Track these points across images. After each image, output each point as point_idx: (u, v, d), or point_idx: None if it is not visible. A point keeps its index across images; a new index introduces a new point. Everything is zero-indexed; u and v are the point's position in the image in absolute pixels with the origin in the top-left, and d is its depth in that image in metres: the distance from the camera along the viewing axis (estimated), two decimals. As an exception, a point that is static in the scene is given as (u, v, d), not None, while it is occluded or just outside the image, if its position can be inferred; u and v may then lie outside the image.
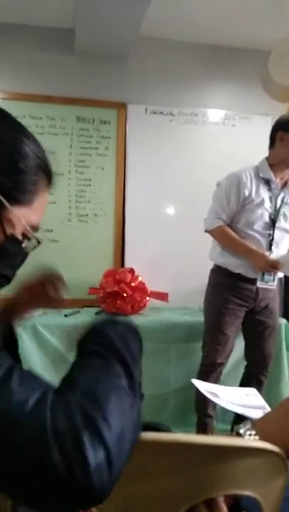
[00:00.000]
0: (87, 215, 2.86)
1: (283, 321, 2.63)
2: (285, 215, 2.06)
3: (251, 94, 3.07)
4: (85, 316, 2.54)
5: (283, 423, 0.62)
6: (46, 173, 0.65)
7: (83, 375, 0.51)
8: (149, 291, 2.63)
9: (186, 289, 2.76)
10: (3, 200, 0.58)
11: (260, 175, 2.06)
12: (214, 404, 2.12)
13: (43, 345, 2.31)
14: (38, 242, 0.66)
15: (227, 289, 2.05)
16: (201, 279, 2.22)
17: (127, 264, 2.82)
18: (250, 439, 0.57)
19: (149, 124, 2.90)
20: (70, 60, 2.83)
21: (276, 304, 2.14)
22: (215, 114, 3.00)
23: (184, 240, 2.86)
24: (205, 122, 2.98)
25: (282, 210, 2.06)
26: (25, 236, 0.63)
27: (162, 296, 2.68)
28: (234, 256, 2.04)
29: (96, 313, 2.60)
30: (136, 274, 2.67)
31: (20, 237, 0.63)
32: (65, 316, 2.51)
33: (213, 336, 2.07)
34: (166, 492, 0.58)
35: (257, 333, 2.10)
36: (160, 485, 0.57)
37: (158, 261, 2.83)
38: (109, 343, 0.55)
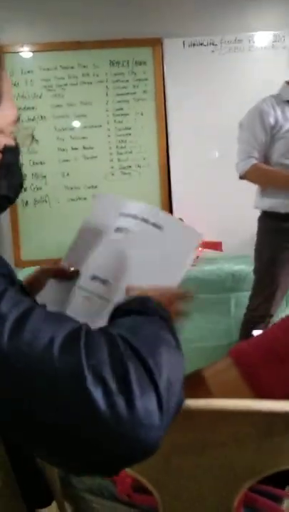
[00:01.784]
0: (130, 166, 2.74)
1: None
2: None
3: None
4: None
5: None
6: None
7: (128, 321, 0.46)
8: (201, 242, 2.52)
9: (240, 236, 2.61)
10: None
11: (284, 99, 1.84)
12: None
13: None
14: (32, 137, 0.57)
15: (278, 234, 1.87)
16: (255, 226, 2.06)
17: (176, 215, 2.70)
18: None
19: (188, 59, 2.64)
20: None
21: None
22: (262, 38, 2.67)
23: (235, 185, 2.66)
24: (252, 48, 2.66)
25: None
26: (13, 135, 0.53)
27: (216, 246, 2.56)
28: (280, 195, 1.83)
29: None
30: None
31: (11, 142, 0.53)
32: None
33: (263, 287, 1.92)
34: (225, 466, 0.51)
35: None
36: (217, 458, 0.50)
37: (208, 209, 2.69)
38: (152, 307, 0.49)
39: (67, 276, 0.71)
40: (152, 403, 0.38)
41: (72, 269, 0.71)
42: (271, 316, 1.96)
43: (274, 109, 1.83)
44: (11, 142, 0.53)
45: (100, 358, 0.38)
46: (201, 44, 2.65)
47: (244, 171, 1.87)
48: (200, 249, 2.54)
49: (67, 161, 2.70)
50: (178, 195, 2.73)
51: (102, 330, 0.43)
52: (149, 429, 0.37)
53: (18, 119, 0.53)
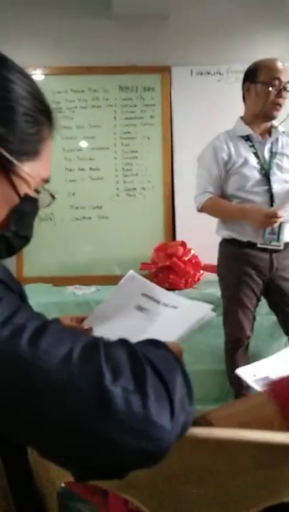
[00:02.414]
0: (135, 188, 2.78)
1: None
2: (279, 166, 1.86)
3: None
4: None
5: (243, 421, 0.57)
6: (47, 116, 0.56)
7: (143, 344, 0.49)
8: (202, 265, 2.53)
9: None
10: (9, 157, 0.51)
11: (237, 134, 1.90)
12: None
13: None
14: (53, 197, 0.60)
15: (239, 259, 1.89)
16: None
17: (179, 237, 2.73)
18: None
19: (195, 87, 2.72)
20: (107, 27, 2.70)
21: None
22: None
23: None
24: (257, 78, 2.74)
25: (274, 161, 1.86)
26: (37, 191, 0.58)
27: (216, 269, 2.56)
28: (237, 224, 1.87)
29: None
30: (188, 247, 2.58)
31: (33, 194, 0.57)
32: (118, 292, 2.49)
33: (233, 311, 1.93)
34: (224, 495, 0.51)
35: (285, 304, 1.93)
36: (216, 486, 0.50)
37: (211, 232, 2.70)
38: (163, 344, 0.51)
39: (81, 331, 0.78)
40: (165, 409, 0.40)
41: (86, 327, 0.81)
42: (248, 337, 1.97)
43: (227, 145, 1.89)
44: (33, 195, 0.57)
45: (120, 361, 0.41)
46: (208, 73, 2.73)
47: (200, 205, 1.93)
48: (201, 272, 2.55)
49: (73, 181, 2.75)
50: (181, 217, 2.76)
51: (121, 340, 0.45)
52: (162, 430, 0.39)
53: (47, 180, 0.58)
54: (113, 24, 2.69)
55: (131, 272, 0.86)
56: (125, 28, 2.70)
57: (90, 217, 2.77)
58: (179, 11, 2.67)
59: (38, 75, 2.70)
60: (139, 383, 0.39)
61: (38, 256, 2.71)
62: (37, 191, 0.58)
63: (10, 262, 2.75)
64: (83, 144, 2.75)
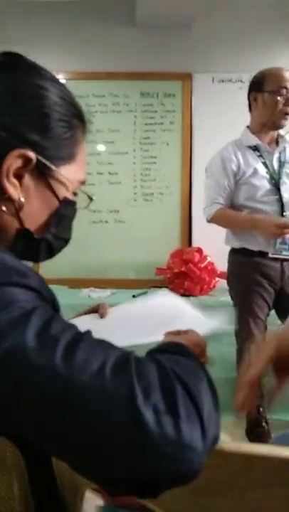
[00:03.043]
0: (152, 193, 2.79)
1: None
2: (288, 175, 1.85)
3: None
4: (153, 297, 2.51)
5: None
6: (80, 119, 0.58)
7: (168, 356, 0.47)
8: (218, 272, 2.52)
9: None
10: (47, 163, 0.53)
11: (245, 144, 1.89)
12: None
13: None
14: (90, 199, 0.62)
15: (248, 267, 1.88)
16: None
17: (195, 244, 2.72)
18: None
19: (216, 94, 2.72)
20: (131, 33, 2.73)
21: None
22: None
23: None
24: (278, 87, 2.73)
25: (284, 170, 1.85)
26: (75, 193, 0.59)
27: (227, 279, 2.55)
28: (247, 234, 1.86)
29: (164, 294, 2.56)
30: (204, 253, 2.57)
31: (72, 197, 0.58)
32: (133, 296, 2.49)
33: (244, 320, 1.91)
34: (251, 510, 0.51)
35: None
36: (244, 501, 0.50)
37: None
38: (186, 350, 0.50)
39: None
40: (196, 428, 0.39)
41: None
42: None
43: (235, 156, 1.88)
44: (72, 198, 0.58)
45: (151, 380, 0.40)
46: (230, 81, 2.73)
47: (210, 216, 1.92)
48: (217, 279, 2.54)
49: (92, 184, 2.77)
50: (198, 224, 2.76)
51: (150, 356, 0.46)
52: (194, 451, 0.39)
53: (83, 182, 0.59)
54: (136, 31, 2.72)
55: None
56: (148, 35, 2.72)
57: (106, 221, 2.79)
58: (202, 19, 2.68)
59: (60, 80, 2.74)
60: (170, 403, 0.39)
61: (54, 258, 2.73)
62: (75, 194, 0.59)
63: (27, 264, 2.78)
64: (102, 148, 2.78)
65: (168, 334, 0.64)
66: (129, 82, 2.73)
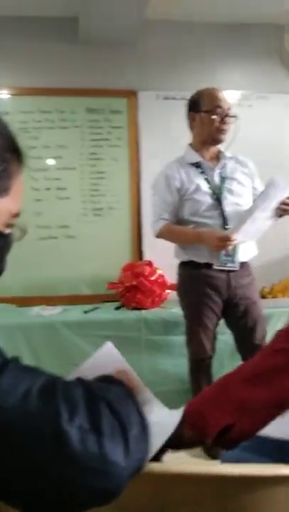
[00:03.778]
0: (102, 208, 2.80)
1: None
2: (230, 190, 1.95)
3: (267, 72, 2.93)
4: (105, 312, 2.49)
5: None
6: (15, 152, 0.57)
7: (98, 382, 0.50)
8: (168, 284, 2.55)
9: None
10: None
11: (187, 161, 1.99)
12: None
13: (62, 343, 2.27)
14: (24, 232, 0.60)
15: (197, 280, 1.95)
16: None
17: (146, 257, 2.75)
18: (277, 466, 0.50)
19: (161, 111, 2.79)
20: (75, 50, 2.75)
21: (254, 292, 2.01)
22: (230, 96, 2.85)
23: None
24: (220, 105, 2.85)
25: (225, 185, 1.96)
26: (8, 226, 0.58)
27: (177, 291, 2.59)
28: (194, 248, 1.94)
29: (116, 308, 2.55)
30: (154, 266, 2.60)
31: (3, 230, 0.57)
32: (85, 312, 2.47)
33: (195, 331, 1.98)
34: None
35: (242, 326, 1.99)
36: None
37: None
38: (116, 380, 0.53)
39: None
40: (119, 445, 0.41)
41: None
42: (210, 357, 2.01)
43: (179, 173, 1.97)
44: (4, 230, 0.57)
45: (77, 401, 0.42)
46: (174, 98, 2.81)
47: (157, 232, 1.99)
48: (167, 291, 2.57)
49: (39, 200, 2.73)
50: (148, 238, 2.78)
51: (78, 379, 0.47)
52: (116, 466, 0.40)
53: (18, 215, 0.58)
54: (80, 48, 2.74)
55: (108, 344, 0.81)
56: (92, 53, 2.76)
57: (56, 237, 2.75)
58: (146, 38, 2.76)
59: (5, 95, 2.70)
60: (94, 422, 0.41)
61: (2, 276, 2.65)
62: (8, 226, 0.58)
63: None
64: (50, 163, 2.75)
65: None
66: (76, 99, 2.75)
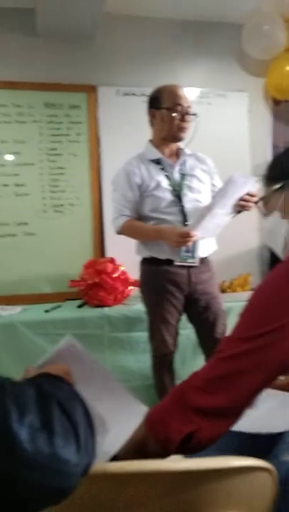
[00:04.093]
0: (62, 205, 2.75)
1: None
2: (189, 187, 1.99)
3: (226, 70, 2.98)
4: (67, 310, 2.46)
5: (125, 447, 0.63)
6: None
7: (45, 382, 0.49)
8: (131, 280, 2.55)
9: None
10: None
11: (148, 158, 2.01)
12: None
13: (23, 344, 2.22)
14: None
15: (159, 276, 1.97)
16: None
17: (108, 254, 2.73)
18: (231, 458, 0.51)
19: (121, 107, 2.78)
20: (33, 43, 2.68)
21: (214, 287, 2.06)
22: (190, 93, 2.88)
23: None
24: (179, 102, 2.87)
25: (185, 182, 1.99)
26: None
27: (139, 287, 2.60)
28: (155, 244, 1.95)
29: (78, 306, 2.52)
30: (117, 263, 2.59)
31: None
32: (46, 311, 2.42)
33: (157, 327, 2.00)
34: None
35: (203, 321, 2.03)
36: None
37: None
38: (56, 377, 0.53)
39: None
40: (71, 443, 0.41)
41: None
42: (172, 352, 2.04)
43: (139, 169, 1.97)
44: None
45: (27, 401, 0.42)
46: (134, 94, 2.81)
47: (118, 228, 1.99)
48: (130, 287, 2.57)
49: (-3, 196, 2.65)
50: (110, 234, 2.76)
51: (30, 381, 0.47)
52: (68, 464, 0.40)
53: None
54: (38, 41, 2.68)
55: (69, 338, 0.78)
56: (51, 46, 2.69)
57: (14, 234, 2.68)
58: (105, 32, 2.72)
59: None
60: (45, 420, 0.41)
61: None
62: None
63: None
64: (7, 159, 2.67)
65: (33, 369, 0.64)
66: (33, 92, 2.68)
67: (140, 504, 0.50)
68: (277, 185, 0.91)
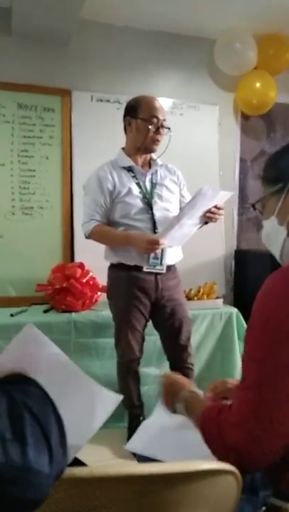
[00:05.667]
0: (32, 207, 2.72)
1: (234, 310, 2.66)
2: (159, 195, 2.03)
3: (198, 83, 3.05)
4: (33, 315, 2.42)
5: None
6: None
7: (17, 388, 0.49)
8: (100, 286, 2.55)
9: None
10: None
11: (120, 165, 2.04)
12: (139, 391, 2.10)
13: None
14: None
15: (127, 282, 1.99)
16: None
17: (77, 259, 2.72)
18: (198, 462, 0.53)
19: (95, 113, 2.79)
20: (8, 42, 2.65)
21: (180, 294, 2.10)
22: (163, 103, 2.92)
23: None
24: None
25: (155, 191, 2.03)
26: None
27: (106, 293, 2.60)
28: (123, 250, 1.98)
29: (44, 311, 2.49)
30: (86, 268, 2.58)
31: None
32: (11, 315, 2.38)
33: (124, 333, 2.02)
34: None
35: (168, 327, 2.06)
36: None
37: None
38: (24, 378, 0.53)
39: None
40: (44, 453, 0.41)
41: None
42: (138, 358, 2.06)
43: (111, 175, 2.00)
44: None
45: None
46: (108, 101, 2.82)
47: (88, 232, 2.00)
48: (99, 293, 2.57)
49: None
50: (80, 239, 2.75)
51: (0, 389, 0.46)
52: (40, 474, 0.40)
53: None
54: (13, 40, 2.65)
55: (29, 325, 0.77)
56: (25, 47, 2.67)
57: (-19, 236, 2.62)
58: (81, 38, 2.73)
59: None
60: (17, 431, 0.40)
61: None
62: None
63: None
64: (-23, 159, 2.61)
65: None
66: (6, 93, 2.64)
67: (108, 508, 0.51)
68: (275, 188, 0.85)
